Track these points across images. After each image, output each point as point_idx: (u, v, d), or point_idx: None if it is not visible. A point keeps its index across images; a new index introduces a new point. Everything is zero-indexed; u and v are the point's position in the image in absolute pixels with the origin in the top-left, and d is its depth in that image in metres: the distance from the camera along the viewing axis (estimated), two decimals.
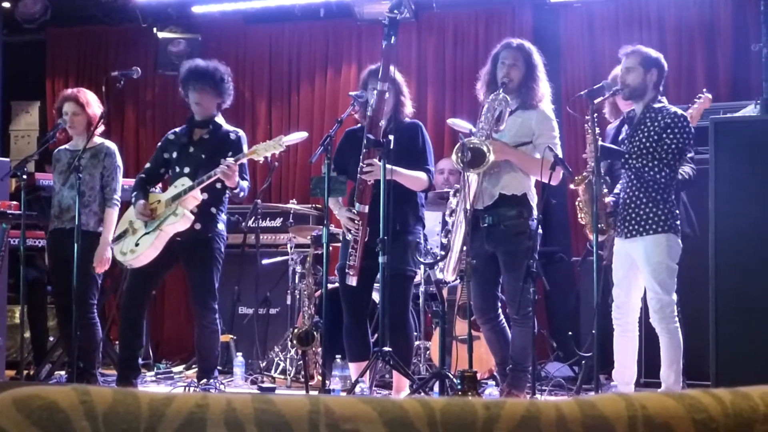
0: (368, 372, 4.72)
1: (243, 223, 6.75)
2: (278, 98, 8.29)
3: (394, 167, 4.73)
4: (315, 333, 5.36)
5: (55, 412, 1.24)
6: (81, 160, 5.35)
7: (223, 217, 5.43)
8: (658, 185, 4.57)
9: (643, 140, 4.60)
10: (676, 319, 4.57)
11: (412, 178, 4.91)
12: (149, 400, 1.26)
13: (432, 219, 6.18)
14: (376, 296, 5.50)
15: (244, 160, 5.25)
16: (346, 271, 4.83)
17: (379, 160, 4.66)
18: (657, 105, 4.66)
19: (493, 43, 5.09)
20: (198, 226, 5.26)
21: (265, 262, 6.62)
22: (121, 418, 1.24)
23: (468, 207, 4.56)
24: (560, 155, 4.68)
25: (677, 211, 4.63)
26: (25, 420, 1.23)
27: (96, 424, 1.23)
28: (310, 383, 5.31)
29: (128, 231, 5.38)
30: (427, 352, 6.12)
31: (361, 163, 4.79)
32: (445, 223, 5.49)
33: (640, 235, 4.58)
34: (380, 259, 4.61)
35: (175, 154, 5.43)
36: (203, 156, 5.34)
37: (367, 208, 4.83)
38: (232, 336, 6.47)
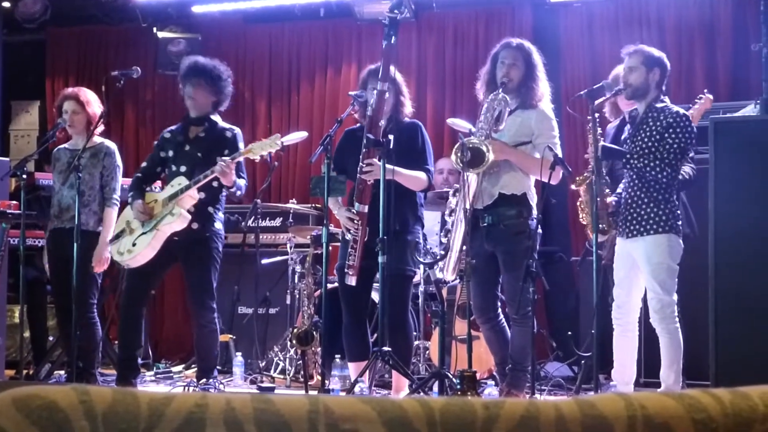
0: (367, 372, 4.72)
1: (243, 223, 6.75)
2: (278, 98, 8.29)
3: (394, 167, 4.73)
4: (314, 333, 5.36)
5: (55, 412, 1.24)
6: (81, 159, 5.35)
7: (221, 215, 5.43)
8: (660, 185, 4.57)
9: (645, 140, 4.60)
10: (677, 319, 4.57)
11: (412, 178, 4.91)
12: (149, 399, 1.26)
13: (431, 219, 6.18)
14: (375, 296, 5.50)
15: (241, 159, 5.24)
16: (346, 270, 4.83)
17: (379, 160, 4.66)
18: (659, 105, 4.66)
19: (492, 43, 5.09)
20: (195, 226, 5.26)
21: (264, 261, 6.62)
22: (120, 418, 1.24)
23: (467, 207, 4.56)
24: (560, 155, 4.68)
25: (679, 212, 4.63)
26: (25, 419, 1.23)
27: (95, 423, 1.23)
28: (309, 383, 5.31)
29: (125, 231, 5.37)
30: (427, 352, 6.12)
31: (360, 163, 4.79)
32: (444, 222, 5.49)
33: (641, 235, 4.58)
34: (380, 259, 4.61)
35: (171, 153, 5.42)
36: (199, 154, 5.33)
37: (366, 208, 4.83)
38: (231, 336, 6.47)
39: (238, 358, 6.13)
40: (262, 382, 6.09)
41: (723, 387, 1.37)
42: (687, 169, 4.80)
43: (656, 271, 4.55)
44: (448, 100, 7.74)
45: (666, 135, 4.54)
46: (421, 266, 5.79)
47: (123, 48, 8.55)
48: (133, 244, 5.28)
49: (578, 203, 4.88)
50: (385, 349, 4.63)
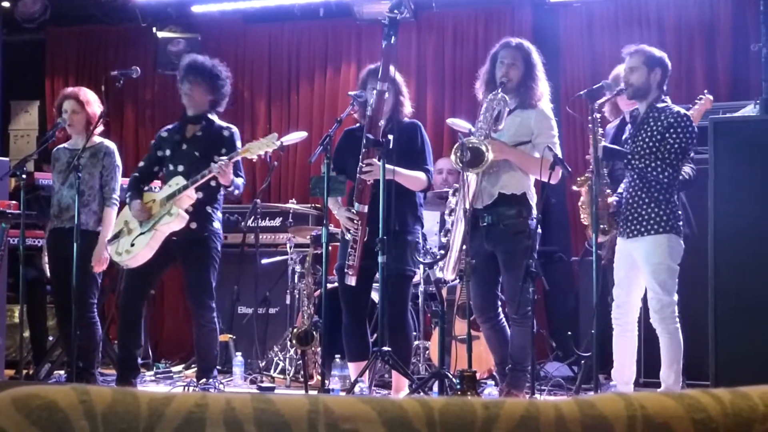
0: (367, 372, 4.72)
1: (242, 223, 6.75)
2: (277, 98, 8.29)
3: (394, 167, 4.73)
4: (314, 333, 5.36)
5: (54, 412, 1.24)
6: (80, 159, 5.35)
7: (219, 215, 5.42)
8: (661, 185, 4.57)
9: (646, 140, 4.60)
10: (677, 319, 4.57)
11: (412, 178, 4.91)
12: (148, 399, 1.26)
13: (430, 219, 6.18)
14: (375, 296, 5.50)
15: (238, 158, 5.24)
16: (345, 270, 4.83)
17: (379, 160, 4.66)
18: (660, 105, 4.66)
19: (492, 43, 5.09)
20: (194, 225, 5.26)
21: (264, 261, 6.62)
22: (120, 418, 1.24)
23: (467, 206, 4.56)
24: (559, 154, 4.68)
25: (680, 212, 4.63)
26: (24, 419, 1.23)
27: (95, 423, 1.23)
28: (309, 383, 5.31)
29: (123, 231, 5.37)
30: (427, 352, 6.12)
31: (360, 163, 4.79)
32: (443, 222, 5.50)
33: (641, 235, 4.58)
34: (379, 259, 4.61)
35: (168, 152, 5.41)
36: (197, 153, 5.32)
37: (366, 208, 4.83)
38: (231, 335, 6.47)
39: (238, 358, 6.13)
40: (262, 381, 6.09)
41: (723, 387, 1.37)
42: (687, 169, 4.79)
43: (656, 272, 4.55)
44: (447, 100, 7.74)
45: (667, 135, 4.54)
46: (421, 266, 5.79)
47: (122, 48, 8.55)
48: (132, 245, 5.28)
49: (580, 204, 4.87)
50: (385, 349, 4.63)
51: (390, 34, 4.70)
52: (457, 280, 5.48)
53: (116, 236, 5.39)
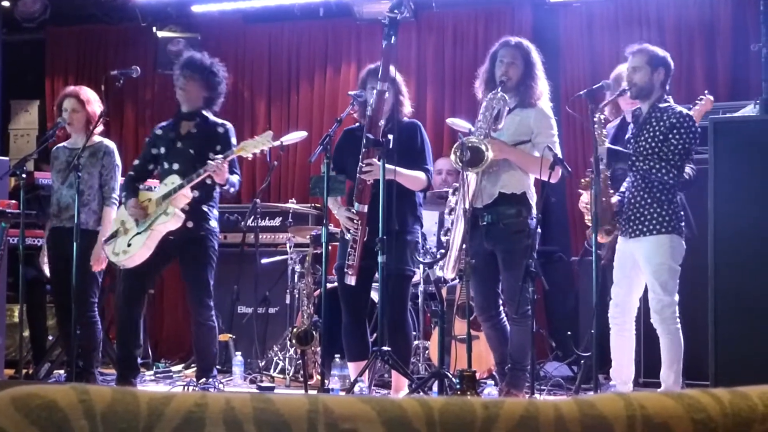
0: (367, 371, 4.72)
1: (242, 223, 6.75)
2: (277, 97, 8.29)
3: (395, 167, 4.73)
4: (314, 332, 5.36)
5: (54, 411, 1.23)
6: (80, 158, 5.34)
7: (215, 213, 5.41)
8: (663, 186, 4.57)
9: (649, 140, 4.59)
10: (677, 320, 4.57)
11: (412, 178, 4.91)
12: (148, 399, 1.26)
13: (429, 218, 6.18)
14: (375, 296, 5.50)
15: (233, 157, 5.23)
16: (345, 270, 4.83)
17: (379, 160, 4.66)
18: (663, 105, 4.65)
19: (492, 43, 5.09)
20: (190, 224, 5.25)
21: (264, 261, 6.62)
22: (119, 417, 1.24)
23: (467, 206, 4.56)
24: (559, 154, 4.69)
25: (682, 213, 4.63)
26: (24, 419, 1.23)
27: (94, 423, 1.23)
28: (309, 382, 5.31)
29: (120, 231, 5.35)
30: (426, 352, 6.12)
31: (360, 163, 4.79)
32: (442, 222, 5.49)
33: (643, 235, 4.58)
34: (379, 259, 4.61)
35: (163, 150, 5.39)
36: (191, 151, 5.31)
37: (366, 208, 4.83)
38: (231, 335, 6.47)
39: (238, 358, 6.13)
40: (261, 381, 6.09)
41: (722, 387, 1.37)
42: (687, 170, 4.79)
43: (658, 272, 4.54)
44: (447, 100, 7.74)
45: (670, 136, 4.54)
46: (421, 266, 5.79)
47: (122, 47, 8.55)
48: (128, 245, 5.27)
49: (585, 205, 4.86)
50: (385, 348, 4.63)
51: (390, 34, 4.70)
52: (457, 280, 5.48)
53: (113, 236, 5.38)
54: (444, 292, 5.84)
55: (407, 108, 5.08)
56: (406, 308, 5.10)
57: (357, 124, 5.19)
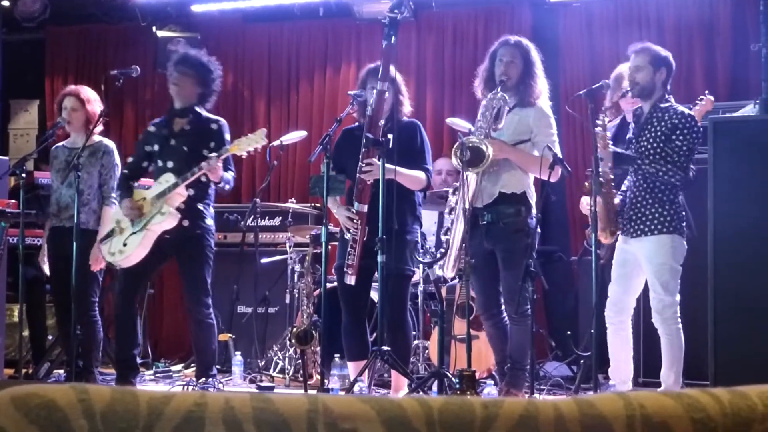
0: (367, 371, 4.72)
1: (242, 222, 6.75)
2: (277, 97, 8.29)
3: (395, 167, 4.73)
4: (314, 332, 5.36)
5: (54, 411, 1.23)
6: (80, 158, 5.34)
7: (211, 211, 5.40)
8: (665, 186, 4.57)
9: (651, 140, 4.60)
10: (679, 320, 4.57)
11: (412, 178, 4.91)
12: (148, 398, 1.26)
13: (428, 218, 6.18)
14: (374, 295, 5.50)
15: (228, 155, 5.21)
16: (345, 270, 4.83)
17: (379, 160, 4.66)
18: (664, 104, 4.66)
19: (492, 43, 5.09)
20: (186, 223, 5.24)
21: (264, 261, 6.62)
22: (119, 417, 1.24)
23: (467, 206, 4.56)
24: (559, 153, 4.69)
25: (683, 213, 4.63)
26: (24, 418, 1.23)
27: (94, 422, 1.23)
28: (308, 382, 5.31)
29: (116, 230, 5.33)
30: (426, 352, 6.12)
31: (360, 163, 4.79)
32: (442, 221, 5.49)
33: (645, 235, 4.58)
34: (379, 258, 4.61)
35: (156, 147, 5.36)
36: (185, 148, 5.28)
37: (366, 208, 4.83)
38: (230, 335, 6.47)
39: (238, 358, 6.13)
40: (261, 381, 6.09)
41: (722, 386, 1.37)
42: None
43: (659, 272, 4.55)
44: (447, 100, 7.74)
45: (673, 137, 4.54)
46: (420, 265, 5.79)
47: (122, 47, 8.55)
48: (124, 244, 5.25)
49: (589, 208, 4.85)
50: (384, 348, 4.63)
51: (390, 34, 4.70)
52: (457, 280, 5.48)
53: (108, 236, 5.36)
54: (444, 291, 5.84)
55: (407, 108, 5.08)
56: (405, 308, 5.10)
57: (356, 123, 5.19)
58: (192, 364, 6.38)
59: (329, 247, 4.97)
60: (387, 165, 4.65)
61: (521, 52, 4.84)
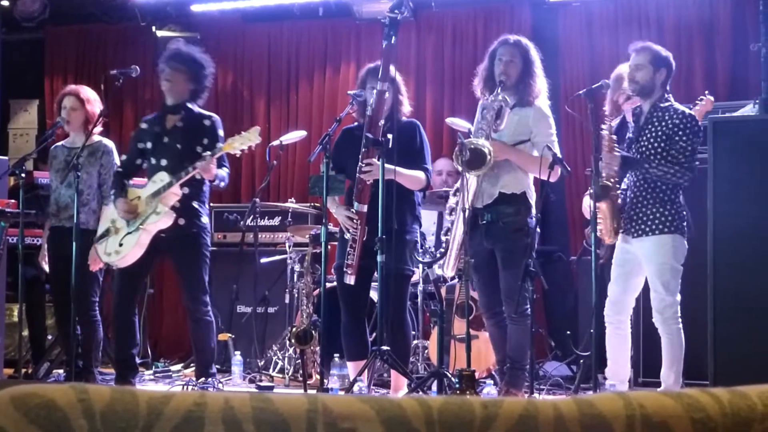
0: (366, 371, 4.72)
1: (241, 222, 6.74)
2: (277, 97, 8.29)
3: (395, 167, 4.73)
4: (313, 332, 5.36)
5: (53, 411, 1.23)
6: (79, 158, 5.33)
7: (206, 209, 5.38)
8: (666, 186, 4.58)
9: (652, 140, 4.60)
10: (679, 320, 4.57)
11: (411, 178, 4.91)
12: (147, 398, 1.26)
13: (428, 218, 6.18)
14: (374, 295, 5.50)
15: (221, 154, 5.19)
16: (344, 270, 4.83)
17: (378, 160, 4.66)
18: (664, 104, 4.66)
19: (491, 42, 5.09)
20: (182, 222, 5.22)
21: (263, 260, 6.61)
22: (119, 417, 1.24)
23: (467, 206, 4.56)
24: (558, 153, 4.69)
25: (684, 212, 4.63)
26: (23, 418, 1.22)
27: (94, 422, 1.23)
28: (308, 382, 5.31)
29: (111, 230, 5.31)
30: (426, 351, 6.12)
31: (360, 163, 4.79)
32: (441, 221, 5.49)
33: (645, 234, 4.58)
34: (378, 258, 4.61)
35: (149, 144, 5.34)
36: (178, 146, 5.25)
37: (365, 208, 4.83)
38: (230, 335, 6.47)
39: (237, 357, 6.12)
40: (260, 381, 6.09)
41: (721, 386, 1.37)
42: None
43: (660, 271, 4.55)
44: (447, 100, 7.74)
45: (677, 138, 4.55)
46: (420, 265, 5.79)
47: (122, 47, 8.54)
48: (120, 245, 5.24)
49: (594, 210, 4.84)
50: (384, 348, 4.63)
51: (390, 34, 4.70)
52: (456, 279, 5.48)
53: (104, 235, 5.34)
54: (443, 291, 5.84)
55: (406, 107, 5.08)
56: (405, 308, 5.10)
57: (356, 123, 5.19)
58: (191, 364, 6.38)
59: (329, 246, 4.97)
60: (387, 165, 4.66)
61: (520, 51, 4.84)
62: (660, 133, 4.59)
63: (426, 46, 7.86)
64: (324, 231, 4.84)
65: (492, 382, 5.48)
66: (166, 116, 5.37)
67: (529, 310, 4.67)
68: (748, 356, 4.05)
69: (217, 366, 5.60)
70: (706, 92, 5.63)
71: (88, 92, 5.74)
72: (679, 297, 4.58)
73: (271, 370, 6.32)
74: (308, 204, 6.84)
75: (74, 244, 5.20)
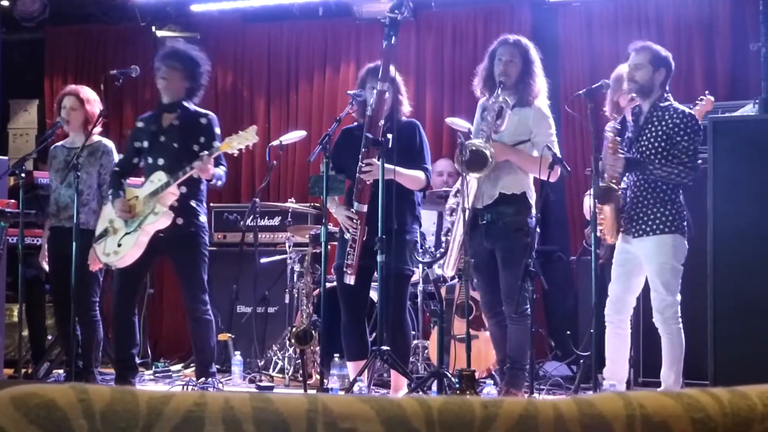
0: (366, 371, 4.72)
1: (241, 222, 6.74)
2: (277, 97, 8.28)
3: (395, 167, 4.73)
4: (313, 332, 5.36)
5: (53, 411, 1.23)
6: (79, 158, 5.33)
7: (204, 207, 5.38)
8: (667, 185, 4.58)
9: (652, 140, 4.60)
10: (679, 320, 4.57)
11: (411, 178, 4.91)
12: (147, 398, 1.26)
13: (427, 217, 6.17)
14: (374, 295, 5.50)
15: (219, 153, 5.18)
16: (344, 270, 4.83)
17: (378, 160, 4.67)
18: (664, 103, 4.66)
19: (491, 42, 5.09)
20: (180, 221, 5.21)
21: (263, 260, 6.61)
22: (119, 417, 1.24)
23: (467, 206, 4.57)
24: (558, 152, 4.70)
25: (684, 212, 4.63)
26: (23, 418, 1.22)
27: (94, 422, 1.23)
28: (308, 382, 5.31)
29: (109, 230, 5.31)
30: (426, 351, 6.12)
31: (360, 163, 4.79)
32: (441, 221, 5.49)
33: (646, 234, 4.58)
34: (378, 258, 4.61)
35: (146, 143, 5.33)
36: (175, 145, 5.25)
37: (365, 208, 4.83)
38: (230, 335, 6.47)
39: (237, 357, 6.12)
40: (260, 381, 6.09)
41: (722, 386, 1.37)
42: None
43: (661, 271, 4.55)
44: (446, 100, 7.74)
45: (678, 138, 4.55)
46: (420, 265, 5.79)
47: (122, 47, 8.54)
48: (119, 245, 5.23)
49: (600, 218, 4.84)
50: (384, 348, 4.63)
51: (391, 34, 4.70)
52: (456, 279, 5.48)
53: (102, 236, 5.33)
54: (443, 291, 5.84)
55: (406, 107, 5.08)
56: (405, 308, 5.10)
57: (356, 123, 5.19)
58: (191, 364, 6.38)
59: (329, 246, 4.97)
60: (386, 165, 4.66)
61: (520, 51, 4.84)
62: (660, 132, 4.59)
63: (426, 46, 7.86)
64: (324, 231, 4.84)
65: (492, 382, 5.48)
66: (162, 115, 5.36)
67: (529, 310, 4.67)
68: (748, 356, 4.05)
69: (217, 366, 5.60)
70: (707, 92, 5.63)
71: (87, 92, 5.74)
72: (679, 297, 4.58)
73: (271, 370, 6.32)
74: (308, 204, 6.84)
75: (74, 244, 5.20)
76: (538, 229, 4.88)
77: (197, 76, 5.36)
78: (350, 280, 4.82)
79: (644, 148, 4.62)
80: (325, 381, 5.13)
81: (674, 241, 4.56)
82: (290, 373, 6.10)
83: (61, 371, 6.04)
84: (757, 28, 5.20)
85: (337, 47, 8.13)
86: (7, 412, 1.23)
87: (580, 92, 4.79)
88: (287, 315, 6.41)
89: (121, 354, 5.42)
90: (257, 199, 6.51)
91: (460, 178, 4.66)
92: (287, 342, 6.05)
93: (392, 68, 4.84)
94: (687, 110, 4.67)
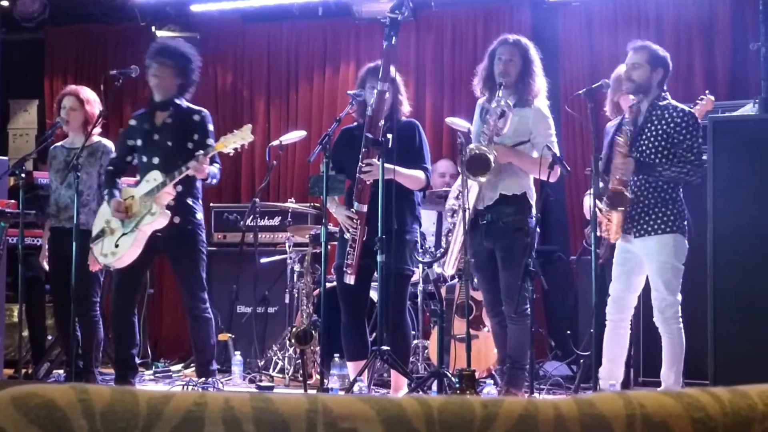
0: (366, 371, 4.72)
1: (241, 222, 6.74)
2: (276, 97, 8.28)
3: (395, 167, 4.73)
4: (313, 332, 5.36)
5: (53, 411, 1.23)
6: (79, 158, 5.33)
7: (200, 205, 5.37)
8: (668, 185, 4.58)
9: (652, 139, 4.60)
10: (680, 320, 4.57)
11: (411, 178, 4.91)
12: (147, 398, 1.26)
13: (427, 218, 6.17)
14: (374, 295, 5.50)
15: (214, 153, 5.16)
16: (344, 269, 4.83)
17: (378, 160, 4.67)
18: (662, 102, 4.67)
19: (491, 42, 5.09)
20: (177, 220, 5.20)
21: (263, 260, 6.61)
22: (119, 417, 1.24)
23: (467, 205, 4.57)
24: (557, 152, 4.70)
25: (685, 212, 4.63)
26: (23, 418, 1.22)
27: (94, 422, 1.23)
28: (308, 382, 5.31)
29: (106, 231, 5.29)
30: (426, 351, 6.12)
31: (360, 163, 4.79)
32: (440, 221, 5.49)
33: (648, 234, 4.58)
34: (378, 258, 4.61)
35: (139, 142, 5.32)
36: (169, 143, 5.24)
37: (365, 208, 4.83)
38: (230, 335, 6.47)
39: (237, 357, 6.12)
40: (260, 381, 6.09)
41: (722, 386, 1.37)
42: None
43: (662, 271, 4.55)
44: (446, 100, 7.74)
45: (680, 137, 4.55)
46: (420, 265, 5.79)
47: (121, 47, 8.54)
48: (116, 246, 5.22)
49: (606, 217, 4.83)
50: (384, 348, 4.63)
51: (391, 34, 4.70)
52: (456, 279, 5.48)
53: (99, 236, 5.32)
54: (443, 291, 5.84)
55: (406, 107, 5.08)
56: (405, 307, 5.10)
57: (355, 123, 5.19)
58: (191, 364, 6.38)
59: (329, 246, 4.97)
60: (386, 165, 4.66)
61: (520, 50, 4.84)
62: (660, 131, 4.59)
63: (426, 46, 7.86)
64: (324, 231, 4.84)
65: (492, 382, 5.48)
66: (155, 113, 5.35)
67: (529, 309, 4.67)
68: (748, 356, 4.05)
69: (217, 366, 5.59)
70: (707, 92, 5.63)
71: (87, 93, 5.73)
72: (680, 297, 4.58)
73: (271, 370, 6.32)
74: (308, 204, 6.83)
75: (74, 244, 5.20)
76: (538, 229, 4.89)
77: (189, 72, 5.33)
78: (350, 280, 4.82)
79: (644, 147, 4.62)
80: (325, 381, 5.13)
81: (675, 240, 4.57)
82: (290, 373, 6.10)
83: (61, 371, 6.04)
84: (757, 28, 5.20)
85: (336, 47, 8.13)
86: (8, 412, 1.23)
87: (580, 92, 4.79)
88: (287, 315, 6.41)
89: (121, 354, 5.42)
90: (257, 199, 6.51)
91: (460, 177, 4.67)
92: (287, 342, 6.05)
93: (392, 68, 4.84)
94: (686, 108, 4.68)
